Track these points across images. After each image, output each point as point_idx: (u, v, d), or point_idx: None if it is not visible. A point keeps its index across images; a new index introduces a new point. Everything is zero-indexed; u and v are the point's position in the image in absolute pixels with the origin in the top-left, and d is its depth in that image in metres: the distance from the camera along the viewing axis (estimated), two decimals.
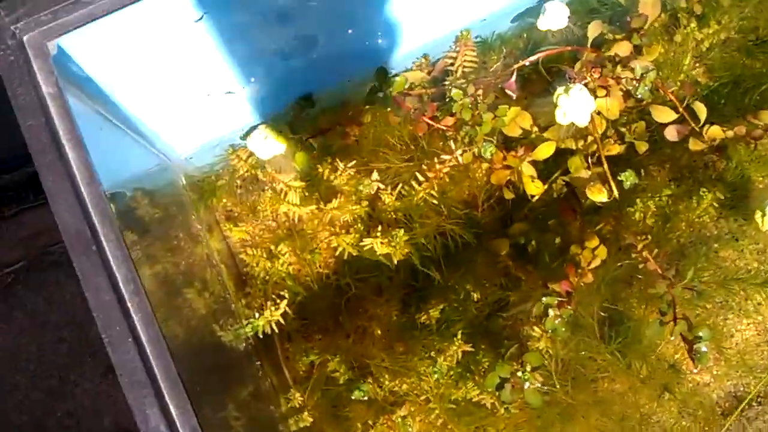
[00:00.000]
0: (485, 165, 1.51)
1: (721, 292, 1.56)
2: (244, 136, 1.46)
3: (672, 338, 1.40)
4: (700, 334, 1.38)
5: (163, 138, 1.38)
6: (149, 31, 1.12)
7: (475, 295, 1.49)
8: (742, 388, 1.56)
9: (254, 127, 1.43)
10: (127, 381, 0.76)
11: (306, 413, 1.40)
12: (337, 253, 1.50)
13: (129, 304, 0.83)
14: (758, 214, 1.43)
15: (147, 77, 1.19)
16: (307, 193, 1.52)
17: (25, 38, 0.92)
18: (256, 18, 1.24)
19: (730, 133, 1.45)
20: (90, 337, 1.66)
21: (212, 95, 1.33)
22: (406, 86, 1.47)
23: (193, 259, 1.46)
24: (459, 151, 1.46)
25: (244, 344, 1.40)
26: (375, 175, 1.47)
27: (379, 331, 1.48)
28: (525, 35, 1.58)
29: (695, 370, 1.49)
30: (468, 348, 1.42)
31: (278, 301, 1.44)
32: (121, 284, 0.84)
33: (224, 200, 1.57)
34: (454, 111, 1.45)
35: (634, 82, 1.44)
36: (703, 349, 1.38)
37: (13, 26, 0.93)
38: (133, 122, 1.29)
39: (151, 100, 1.25)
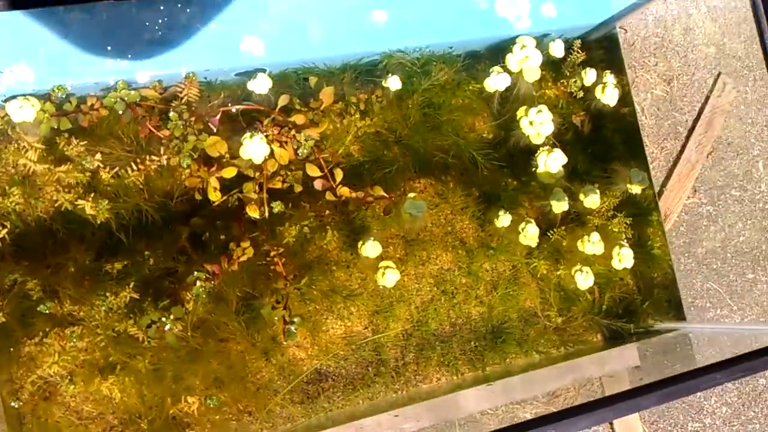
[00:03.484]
0: (186, 171, 2.07)
1: (329, 300, 2.26)
2: (5, 101, 1.90)
3: (276, 320, 2.05)
4: (294, 320, 2.04)
5: None
6: None
7: (152, 260, 2.04)
8: (324, 368, 2.25)
9: (14, 96, 1.89)
10: None
11: (1, 313, 1.87)
12: (56, 204, 1.98)
13: None
14: (360, 244, 2.14)
15: None
16: (44, 155, 1.99)
17: None
18: None
19: (354, 195, 2.15)
20: None
21: None
22: (139, 99, 2.00)
23: None
24: (166, 157, 2.01)
25: None
26: (98, 156, 1.98)
27: (72, 269, 1.98)
28: (240, 88, 2.17)
29: (285, 343, 2.16)
30: (135, 296, 1.97)
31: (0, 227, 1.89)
32: None
33: None
34: (169, 127, 2.01)
35: (300, 143, 2.09)
36: (293, 330, 2.03)
37: None
38: None
39: None
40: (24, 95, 1.90)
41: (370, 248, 2.12)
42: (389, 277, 2.12)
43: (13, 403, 1.90)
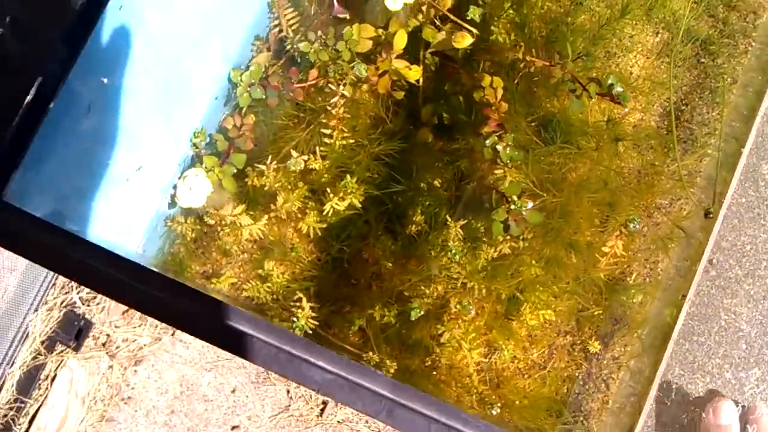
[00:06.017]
0: (365, 86, 1.62)
1: (599, 46, 1.75)
2: (172, 202, 1.52)
3: (592, 100, 1.57)
4: (610, 81, 1.56)
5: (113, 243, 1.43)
6: None
7: (436, 182, 1.62)
8: (665, 104, 1.75)
9: (174, 187, 1.50)
10: None
11: (387, 362, 1.50)
12: (311, 236, 1.59)
13: None
14: None
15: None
16: (252, 211, 1.60)
17: None
18: None
19: None
20: None
21: (130, 179, 1.39)
22: (263, 74, 1.57)
23: None
24: (340, 88, 1.57)
25: None
26: (294, 153, 1.56)
27: (389, 264, 1.59)
28: None
29: (626, 110, 1.67)
30: (461, 223, 1.55)
31: (299, 304, 1.53)
32: None
33: (194, 267, 1.63)
34: (312, 61, 1.56)
35: None
36: (620, 89, 1.56)
37: None
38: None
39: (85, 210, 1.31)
40: (179, 178, 1.51)
41: None
42: None
43: (493, 412, 1.53)
